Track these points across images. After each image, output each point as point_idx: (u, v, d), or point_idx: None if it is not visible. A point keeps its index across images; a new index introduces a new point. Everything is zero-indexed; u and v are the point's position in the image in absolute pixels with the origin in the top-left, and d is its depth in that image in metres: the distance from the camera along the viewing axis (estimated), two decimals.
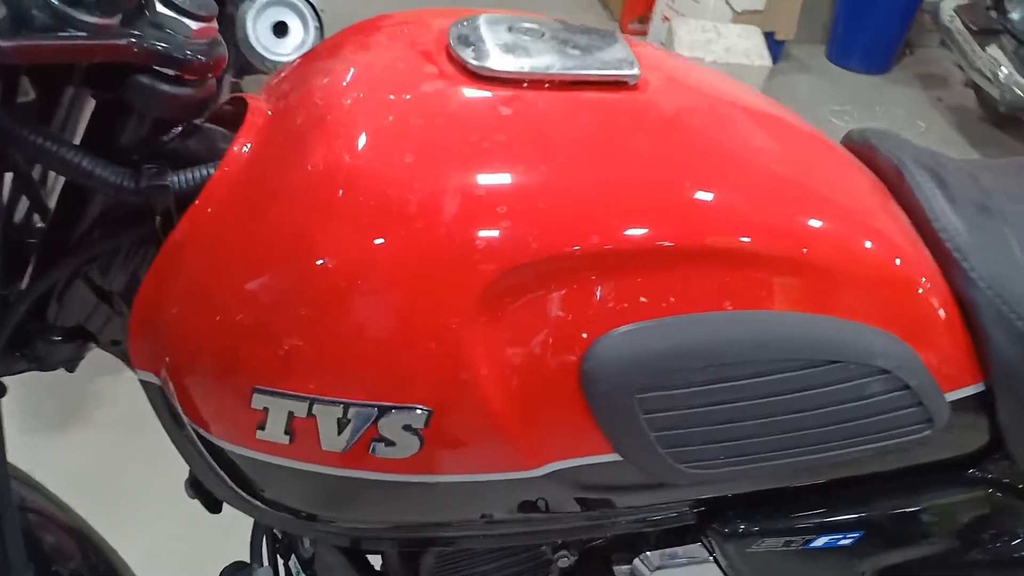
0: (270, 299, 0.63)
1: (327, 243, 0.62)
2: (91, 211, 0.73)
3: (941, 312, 0.73)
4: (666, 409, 0.66)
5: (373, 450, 0.65)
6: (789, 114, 0.81)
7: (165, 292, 0.68)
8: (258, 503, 0.74)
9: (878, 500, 0.80)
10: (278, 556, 0.95)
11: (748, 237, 0.66)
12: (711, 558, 0.84)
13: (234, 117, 0.71)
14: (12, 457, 0.71)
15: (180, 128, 0.70)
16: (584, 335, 0.64)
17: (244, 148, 0.68)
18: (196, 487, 0.85)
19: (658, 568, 0.84)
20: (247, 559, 0.97)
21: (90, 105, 0.72)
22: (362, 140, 0.63)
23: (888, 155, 0.83)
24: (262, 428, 0.65)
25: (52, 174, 0.80)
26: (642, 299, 0.64)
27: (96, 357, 0.82)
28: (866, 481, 0.79)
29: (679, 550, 0.85)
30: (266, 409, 0.64)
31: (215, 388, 0.66)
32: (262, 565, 0.94)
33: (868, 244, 0.70)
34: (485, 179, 0.63)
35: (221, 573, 0.91)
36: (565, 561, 0.90)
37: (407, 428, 0.64)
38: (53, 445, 1.85)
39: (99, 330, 0.78)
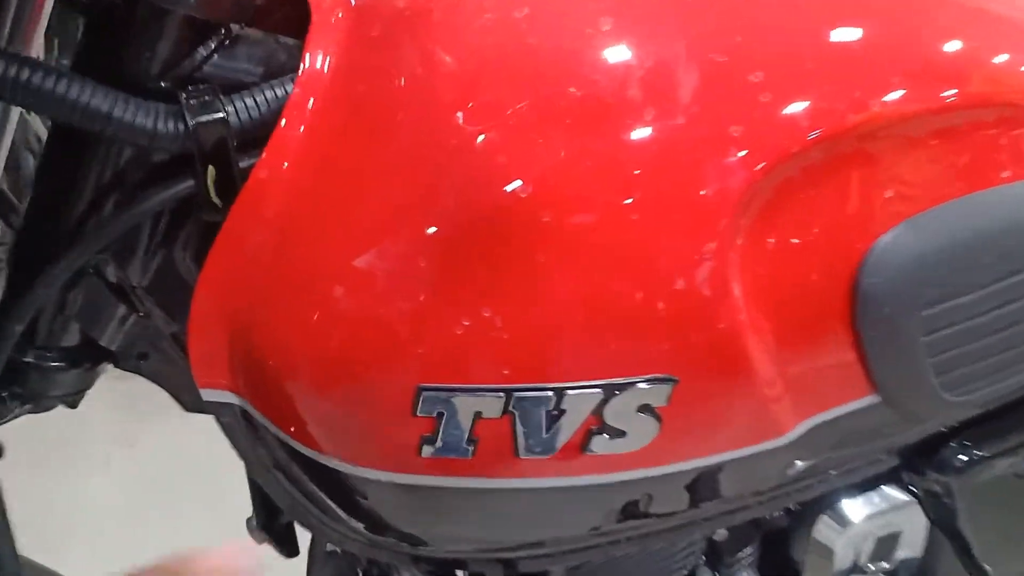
0: (432, 257, 0.43)
1: (512, 165, 0.42)
2: (96, 176, 0.51)
3: None
4: (949, 325, 0.51)
5: (590, 446, 0.46)
6: None
7: (246, 268, 0.46)
8: (383, 538, 0.55)
9: None
10: None
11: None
12: (911, 499, 0.70)
13: (287, 19, 0.50)
14: None
15: (218, 38, 0.48)
16: (859, 244, 0.47)
17: (323, 59, 0.47)
18: (270, 527, 0.65)
19: (851, 524, 0.70)
20: None
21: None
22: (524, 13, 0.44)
23: None
24: (430, 443, 0.45)
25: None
26: (928, 181, 0.48)
27: None
28: None
29: (873, 497, 0.71)
30: (440, 415, 0.44)
31: (350, 398, 0.46)
32: None
33: None
34: (721, 49, 0.44)
35: None
36: (722, 533, 0.75)
37: (644, 409, 0.45)
38: None
39: (118, 343, 0.56)
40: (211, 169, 0.47)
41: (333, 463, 0.49)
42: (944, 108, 0.47)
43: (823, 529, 0.72)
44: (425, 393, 0.44)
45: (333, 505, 0.53)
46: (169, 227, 0.52)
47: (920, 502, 0.70)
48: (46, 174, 0.52)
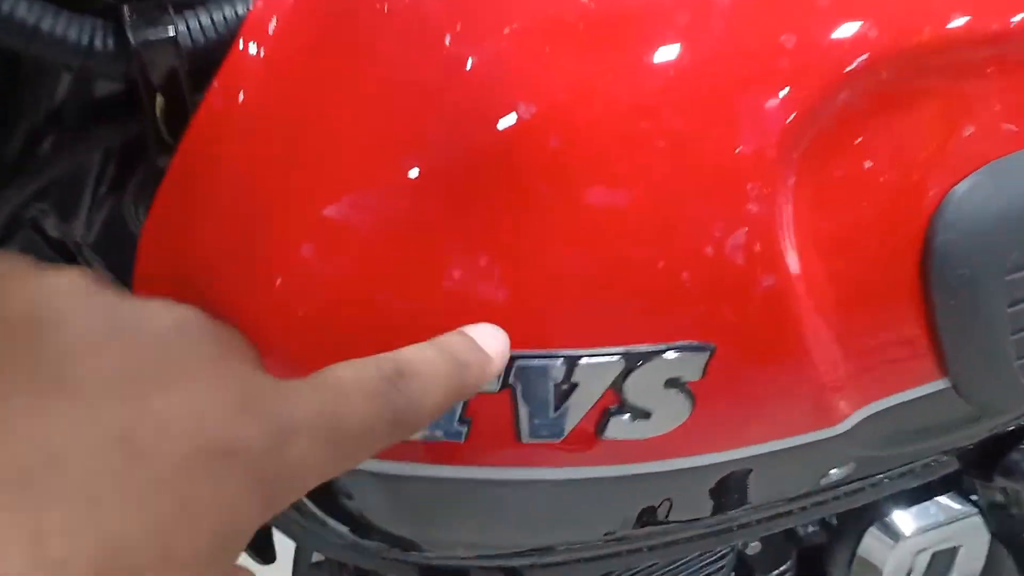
0: (418, 200, 0.35)
1: (516, 89, 0.34)
2: (29, 111, 0.43)
3: None
4: None
5: (605, 430, 0.38)
6: None
7: (196, 219, 0.39)
8: (365, 541, 0.47)
9: None
10: None
11: None
12: (974, 511, 0.61)
13: None
14: None
15: None
16: (933, 191, 0.39)
17: None
18: None
19: (904, 538, 0.61)
20: None
21: None
22: None
23: None
24: None
25: None
26: (1011, 120, 0.40)
27: None
28: None
29: (929, 508, 0.62)
30: None
31: (317, 364, 0.38)
32: None
33: None
34: None
35: None
36: (755, 547, 0.67)
37: (673, 384, 0.37)
38: None
39: None
40: (159, 98, 0.40)
41: None
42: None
43: (871, 543, 0.64)
44: None
45: (311, 505, 0.45)
46: (117, 174, 0.45)
47: (982, 513, 0.62)
48: None
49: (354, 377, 0.29)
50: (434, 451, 0.39)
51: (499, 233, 0.34)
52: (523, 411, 0.37)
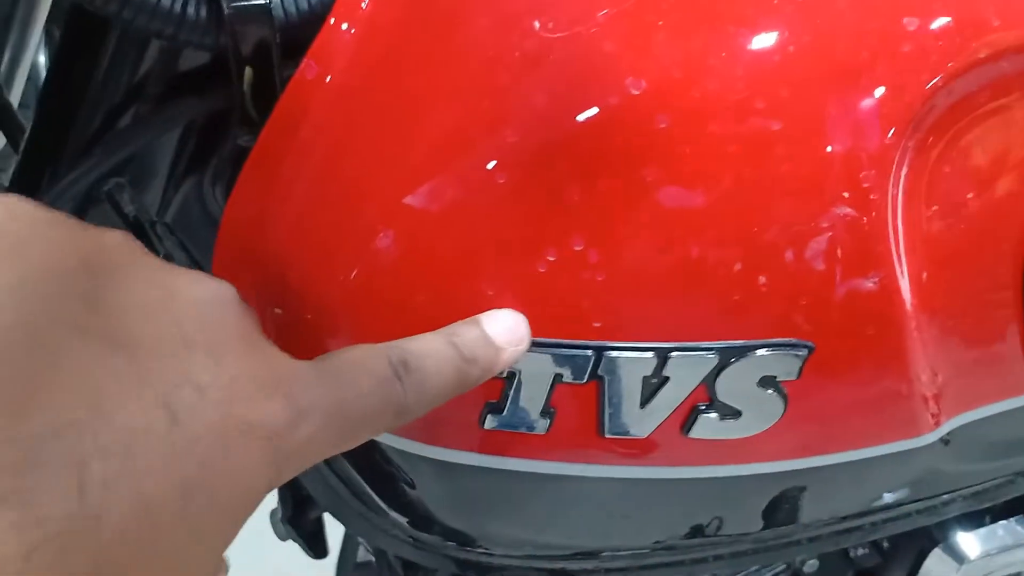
0: (510, 172, 0.34)
1: (619, 55, 0.33)
2: (112, 83, 0.43)
3: None
4: None
5: (692, 428, 0.37)
6: None
7: (280, 199, 0.38)
8: (430, 536, 0.46)
9: None
10: None
11: None
12: None
13: None
14: None
15: None
16: None
17: None
18: (297, 522, 0.56)
19: (969, 561, 0.59)
20: None
21: None
22: None
23: None
24: (496, 411, 0.36)
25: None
26: None
27: None
28: None
29: (998, 530, 0.60)
30: (510, 378, 0.35)
31: None
32: None
33: None
34: None
35: None
36: (813, 564, 0.65)
37: (767, 383, 0.36)
38: None
39: None
40: (248, 71, 0.39)
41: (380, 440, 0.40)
42: None
43: (933, 566, 0.62)
44: None
45: (372, 493, 0.44)
46: (197, 152, 0.44)
47: None
48: (55, 83, 0.44)
49: (364, 364, 0.30)
50: (506, 442, 0.38)
51: (593, 219, 0.33)
52: (609, 404, 0.36)
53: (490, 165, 0.34)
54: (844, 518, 0.47)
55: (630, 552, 0.45)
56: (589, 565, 0.46)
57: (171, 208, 0.46)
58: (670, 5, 0.34)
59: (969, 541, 0.60)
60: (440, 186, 0.35)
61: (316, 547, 0.57)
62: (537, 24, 0.35)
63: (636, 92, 0.33)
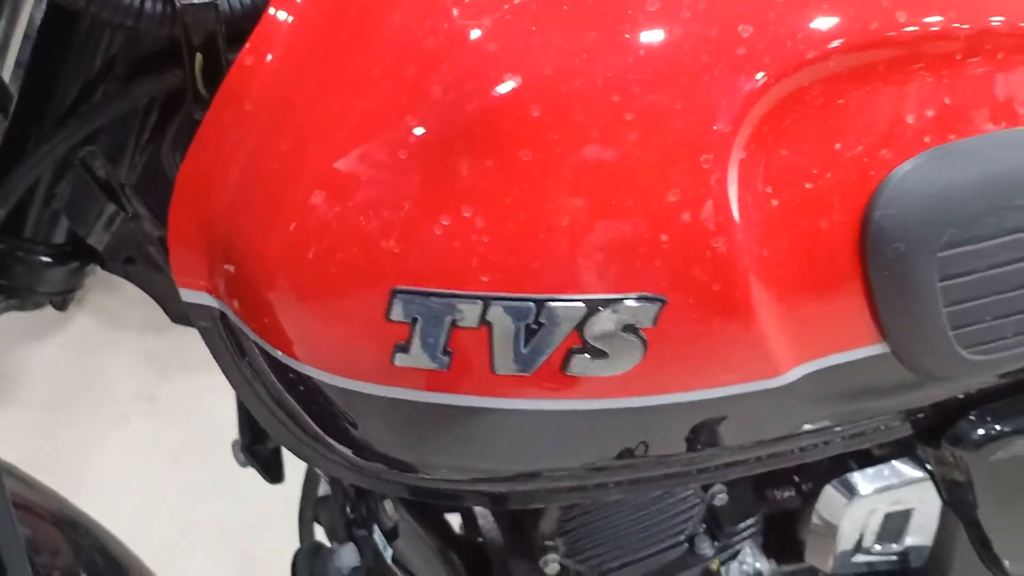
0: (412, 153, 0.41)
1: (501, 61, 0.40)
2: (86, 63, 0.49)
3: None
4: (969, 272, 0.47)
5: (570, 367, 0.44)
6: None
7: (222, 170, 0.45)
8: (363, 460, 0.53)
9: None
10: (352, 530, 0.74)
11: None
12: (925, 476, 0.66)
13: None
14: None
15: None
16: (872, 172, 0.44)
17: None
18: (253, 451, 0.64)
19: (859, 495, 0.67)
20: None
21: None
22: None
23: None
24: (404, 351, 0.43)
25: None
26: (950, 112, 0.44)
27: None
28: None
29: (884, 469, 0.67)
30: (413, 321, 0.42)
31: (325, 300, 0.44)
32: (342, 541, 0.72)
33: None
34: None
35: (295, 558, 0.69)
36: (722, 498, 0.72)
37: (628, 330, 0.43)
38: None
39: (106, 244, 0.55)
40: (198, 57, 0.46)
41: (311, 372, 0.47)
42: (985, 32, 0.44)
43: (828, 501, 0.69)
44: (399, 296, 0.42)
45: (315, 425, 0.51)
46: (159, 122, 0.51)
47: (934, 479, 0.67)
48: (38, 62, 0.50)
49: None
50: (423, 378, 0.44)
51: (479, 191, 0.40)
52: (497, 346, 0.43)
53: (397, 142, 0.41)
54: (735, 449, 0.54)
55: (564, 472, 0.52)
56: (531, 486, 0.53)
57: (137, 172, 0.52)
58: (546, 11, 0.40)
59: (860, 479, 0.67)
60: (362, 156, 0.42)
61: (273, 474, 0.65)
62: (439, 22, 0.41)
63: (515, 85, 0.39)
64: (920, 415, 0.61)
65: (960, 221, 0.45)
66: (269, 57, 0.44)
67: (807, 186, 0.43)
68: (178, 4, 0.44)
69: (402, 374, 0.45)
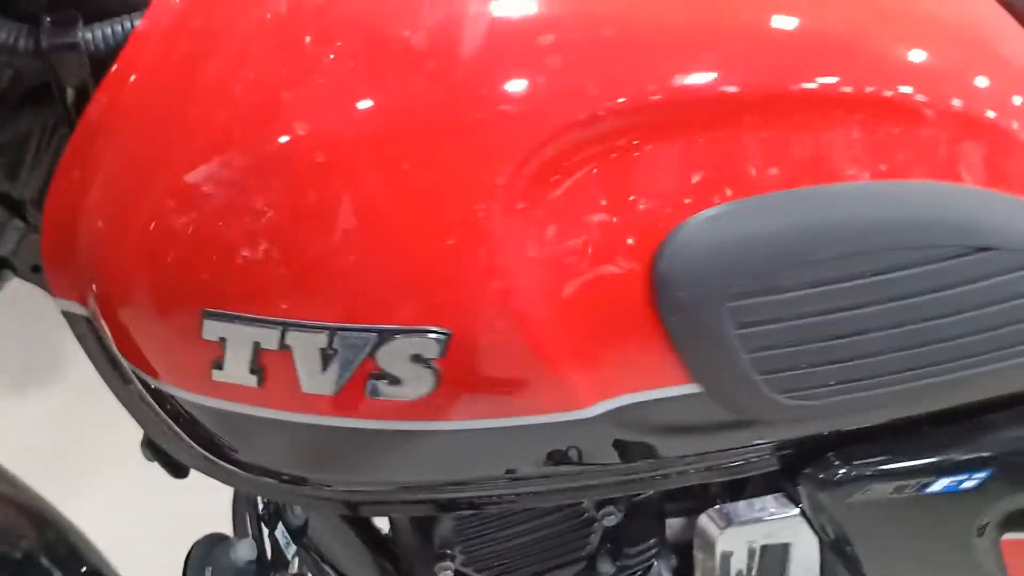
0: (220, 189, 0.45)
1: (294, 108, 0.44)
2: None
3: None
4: (767, 321, 0.49)
5: (372, 391, 0.47)
6: None
7: (82, 192, 0.50)
8: (227, 465, 0.57)
9: (1012, 429, 0.63)
10: (262, 525, 0.79)
11: (876, 85, 0.48)
12: (797, 511, 0.68)
13: None
14: None
15: None
16: (658, 224, 0.46)
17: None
18: (153, 446, 0.69)
19: (737, 525, 0.68)
20: (227, 532, 0.81)
21: None
22: None
23: None
24: (219, 367, 0.48)
25: None
26: (737, 170, 0.46)
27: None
28: (997, 406, 0.63)
29: (757, 502, 0.69)
30: (222, 340, 0.47)
31: (154, 315, 0.48)
32: (245, 536, 0.77)
33: None
34: (517, 9, 0.45)
35: (192, 548, 0.74)
36: (612, 519, 0.74)
37: (417, 359, 0.46)
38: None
39: (13, 253, 0.61)
40: (69, 91, 0.51)
41: (161, 385, 0.52)
42: (770, 95, 0.46)
43: (702, 530, 0.70)
44: (208, 317, 0.46)
45: (174, 425, 0.56)
46: (52, 144, 0.56)
47: (805, 515, 0.68)
48: None
49: None
50: (241, 392, 0.49)
51: (276, 224, 0.44)
52: (300, 367, 0.47)
53: (207, 177, 0.45)
54: (571, 474, 0.56)
55: (489, 481, 0.54)
56: (371, 498, 0.57)
57: (35, 189, 0.58)
58: (338, 66, 0.44)
59: (733, 509, 0.69)
60: (181, 188, 0.47)
61: (177, 469, 0.69)
62: (245, 71, 0.45)
63: (303, 133, 0.43)
64: (786, 450, 0.63)
65: (749, 273, 0.47)
66: (123, 91, 0.49)
67: (591, 235, 0.46)
68: (44, 43, 0.49)
69: (224, 388, 0.49)
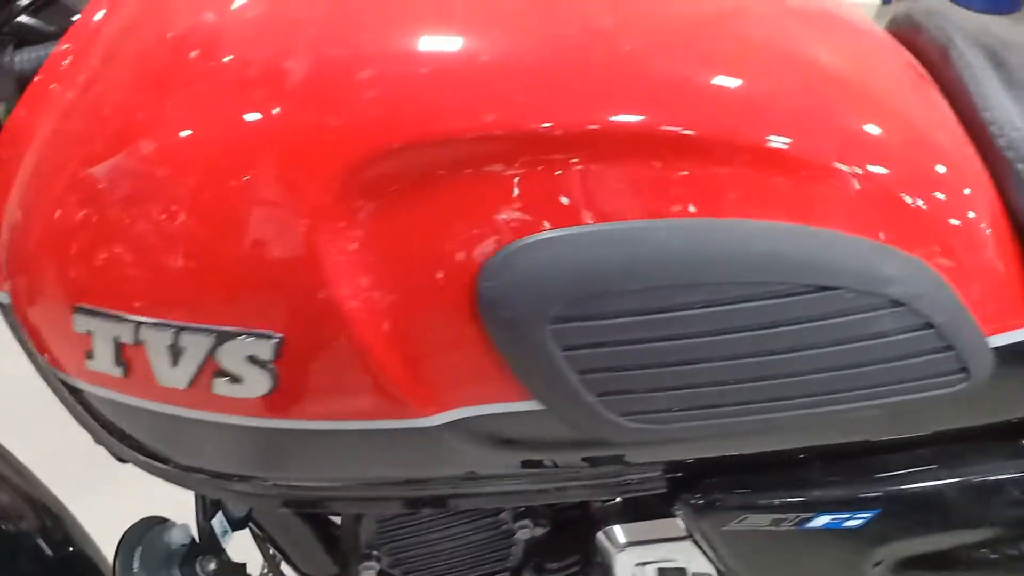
0: (89, 194, 0.50)
1: (146, 124, 0.49)
2: None
3: (986, 230, 0.55)
4: (592, 344, 0.51)
5: (216, 387, 0.52)
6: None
7: (3, 195, 0.56)
8: (133, 452, 0.62)
9: (898, 472, 0.63)
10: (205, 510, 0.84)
11: (704, 125, 0.50)
12: (684, 534, 0.68)
13: None
14: None
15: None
16: (480, 247, 0.49)
17: (96, 17, 0.56)
18: None
19: (626, 545, 0.69)
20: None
21: None
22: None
23: (935, 33, 0.64)
24: (91, 357, 0.53)
25: None
26: (557, 200, 0.49)
27: None
28: (883, 448, 0.63)
29: (649, 525, 0.70)
30: (90, 333, 0.52)
31: (42, 306, 0.54)
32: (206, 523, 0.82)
33: (881, 135, 0.53)
34: (346, 36, 0.48)
35: (128, 529, 0.80)
36: (526, 532, 0.76)
37: (253, 360, 0.50)
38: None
39: None
40: (2, 106, 0.58)
41: (58, 371, 0.57)
42: (589, 132, 0.48)
43: (601, 548, 0.72)
44: (76, 313, 0.51)
45: (85, 414, 0.61)
46: None
47: (695, 541, 0.68)
48: None
49: None
50: (112, 381, 0.54)
51: (125, 231, 0.49)
52: (154, 362, 0.51)
53: (79, 183, 0.51)
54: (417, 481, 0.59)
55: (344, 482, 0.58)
56: (323, 495, 0.61)
57: None
58: (185, 91, 0.48)
59: (625, 530, 0.70)
60: (62, 191, 0.52)
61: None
62: (115, 93, 0.50)
63: (149, 148, 0.48)
64: (662, 474, 0.64)
65: (566, 299, 0.49)
66: (28, 112, 0.55)
67: (415, 253, 0.49)
68: None
69: (97, 377, 0.54)
